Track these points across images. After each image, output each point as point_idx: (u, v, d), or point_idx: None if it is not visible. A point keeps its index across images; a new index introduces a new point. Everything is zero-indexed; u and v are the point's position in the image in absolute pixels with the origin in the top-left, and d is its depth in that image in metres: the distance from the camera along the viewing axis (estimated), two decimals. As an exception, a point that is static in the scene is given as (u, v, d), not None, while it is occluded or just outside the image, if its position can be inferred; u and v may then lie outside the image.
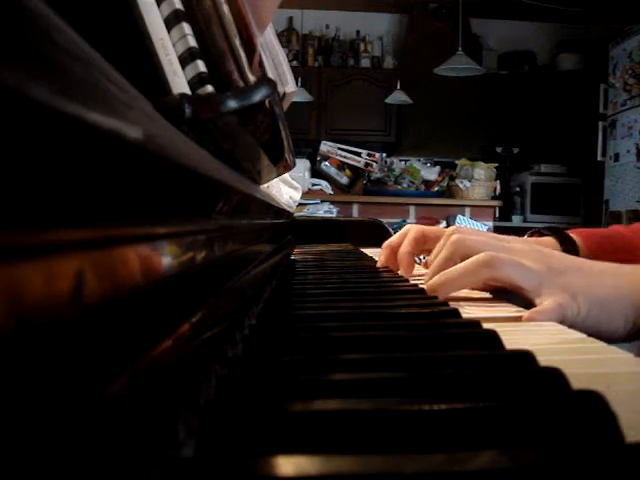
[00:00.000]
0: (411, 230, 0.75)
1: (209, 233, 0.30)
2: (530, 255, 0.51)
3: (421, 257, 0.81)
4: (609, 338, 0.48)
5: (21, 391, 0.11)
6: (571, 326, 0.45)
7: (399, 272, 0.75)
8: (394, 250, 0.76)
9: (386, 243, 0.78)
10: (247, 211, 0.45)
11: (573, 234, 0.75)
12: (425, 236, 0.73)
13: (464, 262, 0.51)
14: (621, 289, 0.50)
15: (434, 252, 0.60)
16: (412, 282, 0.64)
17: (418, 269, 0.81)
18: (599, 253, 0.70)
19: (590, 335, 0.43)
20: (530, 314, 0.46)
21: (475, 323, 0.38)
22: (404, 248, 0.74)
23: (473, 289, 0.57)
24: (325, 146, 4.15)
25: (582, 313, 0.47)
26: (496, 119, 4.36)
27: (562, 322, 0.45)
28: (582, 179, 4.31)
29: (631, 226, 0.79)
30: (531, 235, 0.78)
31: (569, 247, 0.72)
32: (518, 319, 0.46)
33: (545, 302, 0.47)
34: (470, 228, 0.61)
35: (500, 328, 0.35)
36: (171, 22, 0.30)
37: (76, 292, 0.13)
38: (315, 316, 0.44)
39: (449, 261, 0.55)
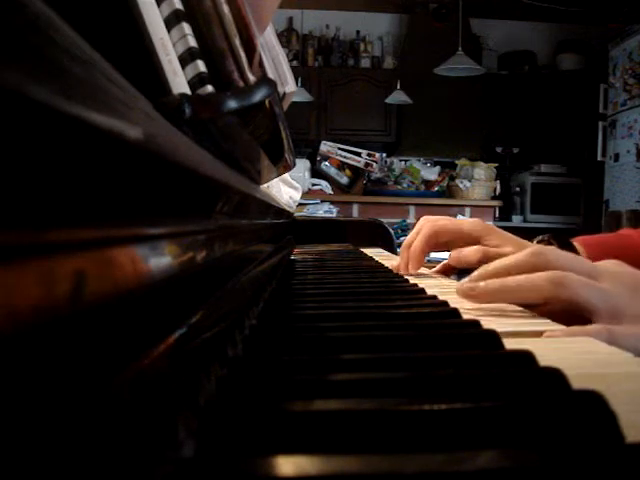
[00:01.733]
0: (424, 227, 0.74)
1: (209, 233, 0.30)
2: (617, 280, 0.45)
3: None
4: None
5: (20, 391, 0.11)
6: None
7: (409, 268, 0.75)
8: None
9: (404, 244, 0.78)
10: (247, 211, 0.45)
11: (577, 243, 0.74)
12: (438, 233, 0.73)
13: (531, 274, 0.45)
14: None
15: (510, 261, 0.49)
16: (412, 282, 0.64)
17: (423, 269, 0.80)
18: (603, 257, 0.69)
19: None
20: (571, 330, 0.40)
21: (475, 323, 0.38)
22: (416, 245, 0.74)
23: (530, 307, 0.48)
24: (325, 146, 4.15)
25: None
26: (496, 119, 4.36)
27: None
28: (582, 179, 4.30)
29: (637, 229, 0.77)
30: (539, 243, 0.77)
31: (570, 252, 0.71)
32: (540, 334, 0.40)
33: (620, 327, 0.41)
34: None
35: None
36: (171, 22, 0.30)
37: (76, 292, 0.13)
38: (315, 316, 0.44)
39: (516, 269, 0.47)
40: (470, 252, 0.68)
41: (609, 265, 0.47)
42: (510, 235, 0.63)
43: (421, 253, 0.74)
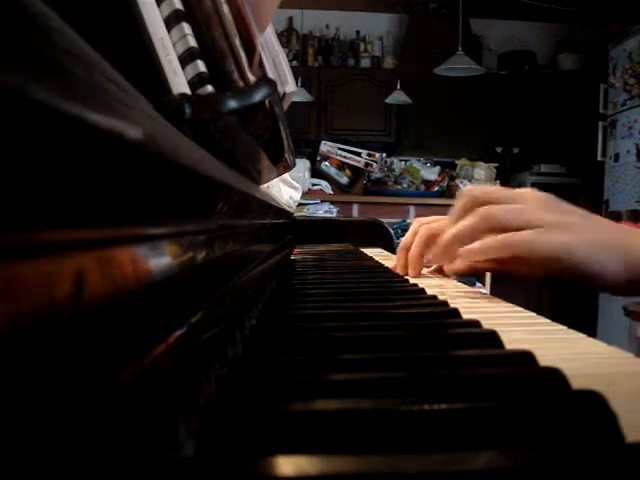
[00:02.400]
0: (421, 230, 0.76)
1: (209, 233, 0.30)
2: (538, 203, 0.55)
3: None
4: (605, 282, 0.52)
5: (21, 391, 0.11)
6: (572, 258, 0.50)
7: (409, 272, 0.77)
8: (408, 251, 0.79)
9: (400, 246, 0.80)
10: (247, 211, 0.45)
11: None
12: (434, 235, 0.75)
13: (486, 240, 0.55)
14: (628, 238, 0.52)
15: (452, 215, 0.62)
16: (412, 282, 0.64)
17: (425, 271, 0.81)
18: None
19: (586, 275, 0.51)
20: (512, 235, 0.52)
21: (475, 323, 0.38)
22: (414, 250, 0.76)
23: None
24: (325, 146, 4.15)
25: (585, 248, 0.51)
26: (496, 119, 4.35)
27: (560, 253, 0.51)
28: (582, 179, 4.30)
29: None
30: None
31: None
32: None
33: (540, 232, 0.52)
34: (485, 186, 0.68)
35: (499, 327, 0.35)
36: (171, 22, 0.30)
37: (76, 292, 0.13)
38: (315, 316, 0.44)
39: (461, 214, 0.59)
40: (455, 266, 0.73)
41: (528, 191, 0.59)
42: (522, 193, 0.65)
43: (419, 257, 0.76)
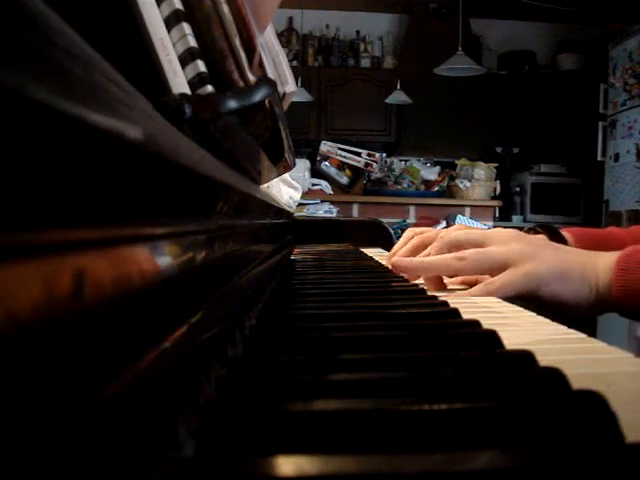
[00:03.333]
0: (410, 239, 0.79)
1: (209, 233, 0.30)
2: (500, 239, 0.61)
3: None
4: (575, 306, 0.57)
5: (21, 392, 0.11)
6: (538, 290, 0.56)
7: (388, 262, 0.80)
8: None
9: (389, 254, 0.84)
10: (247, 211, 0.45)
11: (565, 232, 0.79)
12: (425, 244, 0.76)
13: (442, 255, 0.63)
14: (587, 264, 0.57)
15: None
16: (412, 282, 0.64)
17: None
18: None
19: (556, 303, 0.56)
20: (485, 285, 0.58)
21: (475, 323, 0.38)
22: (401, 254, 0.78)
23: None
24: (325, 146, 4.15)
25: (547, 279, 0.55)
26: (496, 119, 4.35)
27: (528, 287, 0.56)
28: (582, 179, 4.30)
29: (629, 229, 0.81)
30: (526, 233, 0.80)
31: (558, 242, 0.75)
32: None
33: (507, 272, 0.57)
34: (466, 225, 0.77)
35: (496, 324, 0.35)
36: (171, 22, 0.30)
37: (76, 292, 0.13)
38: (315, 316, 0.44)
39: (439, 252, 0.65)
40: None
41: (495, 230, 0.65)
42: (487, 234, 0.66)
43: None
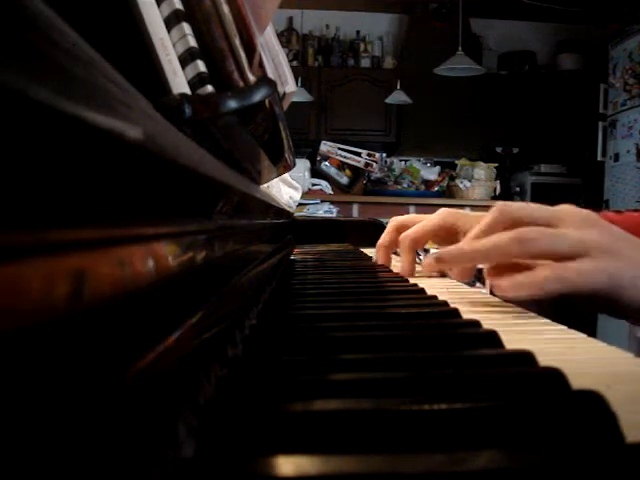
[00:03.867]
0: (390, 222, 0.77)
1: (209, 233, 0.30)
2: (575, 220, 0.49)
3: (421, 257, 0.81)
4: None
5: (21, 391, 0.11)
6: (614, 293, 0.45)
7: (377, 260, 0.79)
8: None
9: (378, 244, 0.81)
10: (247, 211, 0.45)
11: None
12: (404, 225, 0.75)
13: (497, 235, 0.49)
14: None
15: (478, 228, 0.53)
16: (412, 282, 0.64)
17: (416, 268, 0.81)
18: None
19: (636, 311, 0.46)
20: (563, 269, 0.45)
21: (475, 323, 0.38)
22: (380, 241, 0.77)
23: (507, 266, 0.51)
24: (325, 146, 4.15)
25: (630, 283, 0.45)
26: (496, 119, 4.35)
27: (603, 286, 0.45)
28: (582, 179, 4.30)
29: (623, 214, 0.78)
30: None
31: None
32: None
33: (584, 262, 0.45)
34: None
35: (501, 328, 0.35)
36: (171, 22, 0.30)
37: (76, 292, 0.13)
38: (315, 316, 0.44)
39: (490, 229, 0.51)
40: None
41: (566, 208, 0.51)
42: (476, 215, 0.63)
43: (385, 249, 0.76)
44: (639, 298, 0.46)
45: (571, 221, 0.49)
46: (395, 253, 0.82)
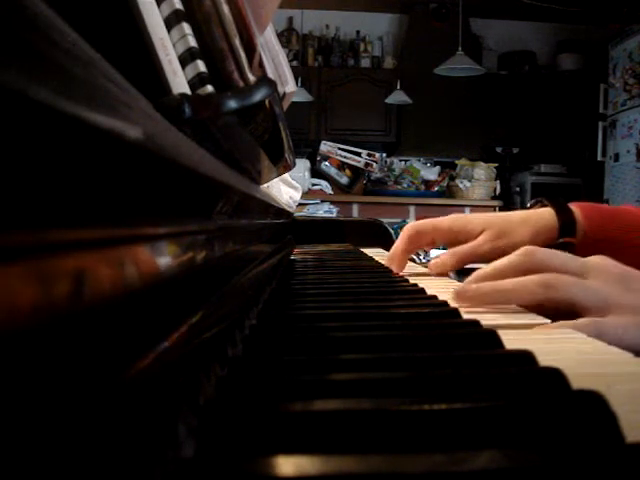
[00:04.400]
0: (405, 229, 0.76)
1: (209, 233, 0.30)
2: (604, 275, 0.46)
3: (421, 257, 0.81)
4: None
5: (21, 391, 0.11)
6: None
7: (393, 269, 0.76)
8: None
9: (390, 253, 0.78)
10: (247, 211, 0.45)
11: (574, 207, 0.73)
12: (419, 232, 0.75)
13: (523, 277, 0.47)
14: None
15: (502, 263, 0.51)
16: (412, 282, 0.64)
17: (416, 268, 0.81)
18: (601, 231, 0.70)
19: None
20: (561, 324, 0.42)
21: (475, 323, 0.38)
22: (397, 247, 0.75)
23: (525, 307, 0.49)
24: (325, 146, 4.15)
25: None
26: (496, 119, 4.36)
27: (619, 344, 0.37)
28: (582, 179, 4.30)
29: None
30: (532, 206, 0.78)
31: (566, 219, 0.72)
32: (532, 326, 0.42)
33: (619, 317, 0.43)
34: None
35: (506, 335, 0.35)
36: (171, 22, 0.30)
37: (76, 292, 0.13)
38: (315, 316, 0.44)
39: (510, 270, 0.49)
40: (444, 259, 0.72)
41: (598, 260, 0.48)
42: (486, 216, 0.63)
43: (402, 253, 0.74)
44: None
45: (600, 274, 0.46)
46: (411, 260, 0.81)
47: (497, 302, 0.48)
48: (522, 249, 0.50)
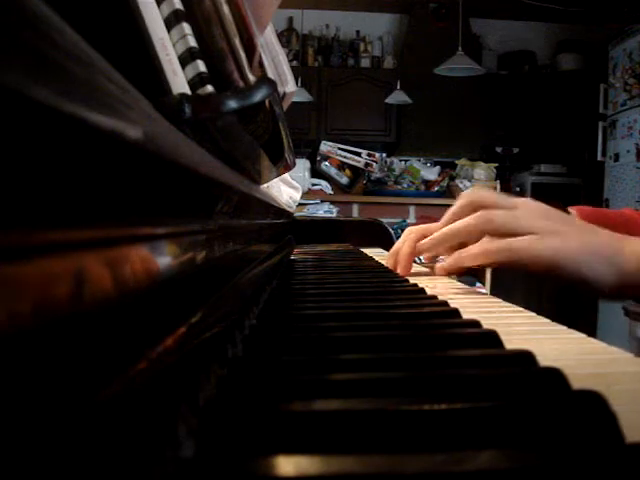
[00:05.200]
0: (412, 232, 0.78)
1: (209, 233, 0.30)
2: (528, 208, 0.59)
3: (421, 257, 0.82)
4: (599, 289, 0.56)
5: (22, 391, 0.11)
6: (560, 268, 0.55)
7: (399, 270, 0.78)
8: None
9: (391, 251, 0.82)
10: (247, 211, 0.45)
11: (573, 210, 0.80)
12: (425, 236, 0.76)
13: (466, 218, 0.60)
14: (617, 248, 0.56)
15: (448, 214, 0.66)
16: (412, 282, 0.64)
17: (415, 268, 0.81)
18: None
19: (579, 282, 0.56)
20: (508, 243, 0.56)
21: (475, 323, 0.38)
22: (404, 249, 0.77)
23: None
24: (325, 146, 4.15)
25: (573, 258, 0.55)
26: (496, 119, 4.35)
27: (550, 261, 0.55)
28: (582, 179, 4.30)
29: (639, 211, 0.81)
30: None
31: None
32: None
33: (531, 237, 0.55)
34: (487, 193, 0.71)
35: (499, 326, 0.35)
36: (171, 22, 0.30)
37: (76, 292, 0.13)
38: (315, 316, 0.44)
39: (458, 214, 0.63)
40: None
41: (526, 199, 0.62)
42: (520, 201, 0.67)
43: (409, 256, 0.77)
44: (577, 274, 0.56)
45: (527, 208, 0.59)
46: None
47: (450, 241, 0.62)
48: (461, 195, 0.64)
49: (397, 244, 0.80)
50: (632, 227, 0.78)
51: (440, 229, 0.71)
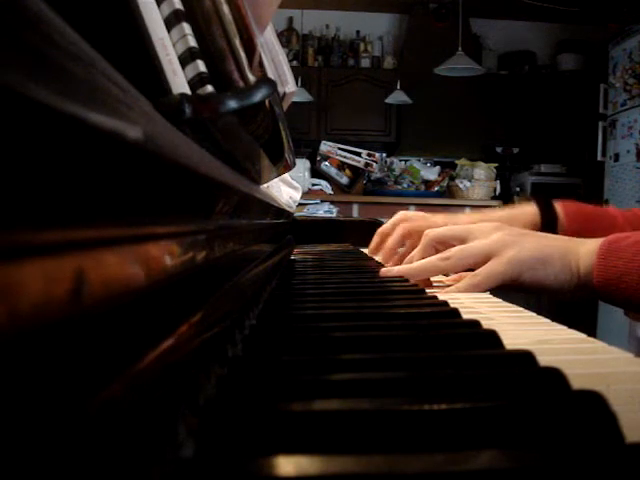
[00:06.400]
0: (402, 222, 0.86)
1: (209, 233, 0.30)
2: (486, 232, 0.62)
3: None
4: (558, 291, 0.59)
5: (22, 391, 0.11)
6: (520, 277, 0.57)
7: (380, 259, 0.87)
8: (383, 239, 0.90)
9: (379, 231, 0.91)
10: (247, 211, 0.45)
11: (559, 206, 0.84)
12: (410, 234, 0.84)
13: (430, 258, 0.65)
14: (569, 250, 0.59)
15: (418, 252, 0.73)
16: (412, 282, 0.64)
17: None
18: (579, 230, 0.77)
19: (539, 288, 0.58)
20: (470, 279, 0.59)
21: (475, 323, 0.38)
22: (389, 243, 0.86)
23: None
24: (325, 146, 4.15)
25: (528, 265, 0.57)
26: (496, 119, 4.35)
27: (510, 274, 0.57)
28: (582, 179, 4.30)
29: (627, 211, 0.83)
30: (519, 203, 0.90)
31: (549, 217, 0.82)
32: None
33: (489, 263, 0.58)
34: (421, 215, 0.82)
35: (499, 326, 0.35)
36: (171, 22, 0.30)
37: (76, 292, 0.13)
38: (315, 316, 0.44)
39: (425, 252, 0.69)
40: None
41: (479, 225, 0.66)
42: (473, 226, 0.68)
43: (391, 251, 0.85)
44: (536, 279, 0.58)
45: (480, 231, 0.63)
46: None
47: (419, 277, 0.65)
48: (424, 234, 0.70)
49: (386, 227, 0.87)
50: (604, 222, 0.80)
51: (424, 230, 0.75)
